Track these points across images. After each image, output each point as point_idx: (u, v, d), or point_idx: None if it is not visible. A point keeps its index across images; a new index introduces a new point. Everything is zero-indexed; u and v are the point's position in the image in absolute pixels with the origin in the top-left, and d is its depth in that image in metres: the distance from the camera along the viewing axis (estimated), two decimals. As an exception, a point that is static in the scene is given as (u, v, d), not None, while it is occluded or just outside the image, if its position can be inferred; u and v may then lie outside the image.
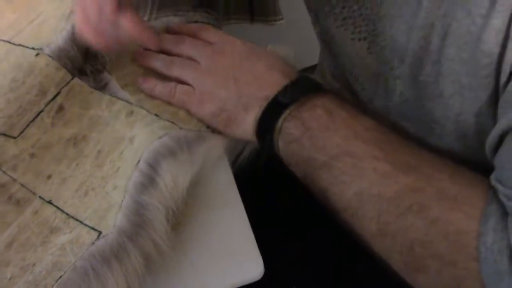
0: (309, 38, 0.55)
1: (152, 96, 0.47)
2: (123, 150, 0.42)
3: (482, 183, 0.36)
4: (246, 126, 0.44)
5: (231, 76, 0.44)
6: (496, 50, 0.32)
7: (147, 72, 0.48)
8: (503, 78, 0.33)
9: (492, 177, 0.35)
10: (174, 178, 0.40)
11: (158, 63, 0.47)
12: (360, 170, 0.39)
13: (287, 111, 0.42)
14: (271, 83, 0.43)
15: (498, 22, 0.31)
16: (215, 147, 0.44)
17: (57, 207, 0.40)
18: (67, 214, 0.39)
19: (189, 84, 0.46)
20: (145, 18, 0.53)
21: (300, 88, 0.43)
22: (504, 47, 0.32)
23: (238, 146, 0.47)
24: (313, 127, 0.41)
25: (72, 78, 0.46)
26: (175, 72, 0.47)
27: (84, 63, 0.48)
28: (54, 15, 0.50)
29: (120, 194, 0.39)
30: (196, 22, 0.52)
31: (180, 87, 0.46)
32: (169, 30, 0.50)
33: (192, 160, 0.41)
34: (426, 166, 0.38)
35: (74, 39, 0.46)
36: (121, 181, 0.40)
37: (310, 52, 0.58)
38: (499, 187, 0.34)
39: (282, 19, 0.71)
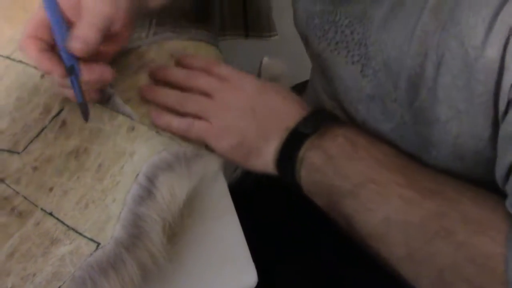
0: (301, 53, 0.55)
1: None
2: (124, 164, 0.43)
3: (502, 206, 0.36)
4: (266, 158, 0.45)
5: (249, 110, 0.45)
6: (491, 79, 0.32)
7: (150, 84, 0.49)
8: (502, 106, 0.33)
9: (508, 204, 0.35)
10: (171, 190, 0.41)
11: (171, 99, 0.47)
12: (385, 197, 0.39)
13: (309, 141, 0.43)
14: (290, 115, 0.45)
15: (492, 53, 0.32)
16: (211, 163, 0.45)
17: (58, 219, 0.41)
18: (68, 226, 0.41)
19: (205, 119, 0.46)
20: (143, 34, 0.55)
21: (320, 119, 0.44)
22: (500, 75, 0.32)
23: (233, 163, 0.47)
24: (335, 156, 0.42)
25: (75, 95, 0.48)
26: (190, 108, 0.47)
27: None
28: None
29: (119, 206, 0.40)
30: (194, 39, 0.54)
31: (198, 122, 0.46)
32: (178, 63, 0.51)
33: (189, 175, 0.42)
34: (448, 191, 0.39)
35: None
36: (120, 194, 0.41)
37: (303, 67, 0.60)
38: None
39: (276, 34, 0.72)
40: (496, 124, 0.34)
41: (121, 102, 0.48)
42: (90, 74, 0.43)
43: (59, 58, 0.42)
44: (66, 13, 0.43)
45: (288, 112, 0.45)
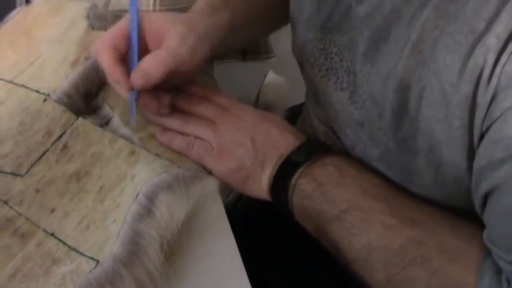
0: (299, 77, 0.57)
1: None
2: (125, 187, 0.44)
3: (479, 237, 0.37)
4: (262, 184, 0.47)
5: (248, 137, 0.47)
6: (466, 114, 0.34)
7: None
8: (476, 140, 0.35)
9: (484, 236, 0.37)
10: (170, 209, 0.42)
11: (174, 121, 0.49)
12: (368, 223, 0.41)
13: (301, 169, 0.44)
14: (285, 143, 0.47)
15: (466, 90, 0.33)
16: (209, 185, 0.46)
17: (59, 239, 0.42)
18: (69, 246, 0.41)
19: (206, 140, 0.48)
20: (150, 9, 0.57)
21: (312, 148, 0.46)
22: (473, 111, 0.34)
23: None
24: (324, 183, 0.44)
25: (77, 118, 0.49)
26: (192, 129, 0.49)
27: (87, 102, 0.51)
28: (55, 58, 0.54)
29: (119, 225, 0.41)
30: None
31: (199, 141, 0.48)
32: (180, 90, 0.52)
33: (188, 196, 0.43)
34: (428, 220, 0.40)
35: (78, 84, 0.50)
36: (121, 214, 0.42)
37: (301, 90, 0.61)
38: (491, 247, 0.36)
39: (274, 57, 0.74)
40: (472, 156, 0.36)
41: (121, 125, 0.49)
42: (146, 100, 0.46)
43: (128, 72, 0.45)
44: (147, 38, 0.46)
45: (283, 141, 0.47)
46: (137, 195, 0.43)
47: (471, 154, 0.36)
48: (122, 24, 0.46)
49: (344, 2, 0.45)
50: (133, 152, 0.47)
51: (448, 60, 0.34)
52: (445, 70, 0.34)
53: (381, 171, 0.45)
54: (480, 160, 0.35)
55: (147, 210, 0.41)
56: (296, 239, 0.49)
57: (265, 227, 0.57)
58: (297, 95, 0.62)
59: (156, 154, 0.47)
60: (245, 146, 0.47)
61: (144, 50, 0.46)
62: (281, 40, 0.59)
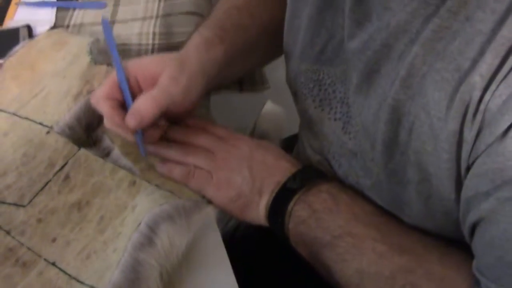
0: (293, 107, 0.58)
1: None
2: (125, 217, 0.45)
3: (468, 266, 0.38)
4: (259, 211, 0.48)
5: (245, 165, 0.48)
6: (453, 148, 0.35)
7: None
8: (463, 173, 0.36)
9: (473, 265, 0.38)
10: (171, 239, 0.42)
11: (174, 152, 0.50)
12: (360, 249, 0.42)
13: (297, 196, 0.46)
14: (281, 171, 0.48)
15: (453, 125, 0.34)
16: (208, 215, 0.47)
17: (60, 268, 0.43)
18: (70, 275, 0.42)
19: (205, 170, 0.49)
20: (149, 42, 0.59)
21: (307, 175, 0.47)
22: (460, 146, 0.35)
23: (227, 215, 0.50)
24: (319, 210, 0.45)
25: (79, 149, 0.50)
26: (192, 159, 0.50)
27: (88, 134, 0.53)
28: (58, 91, 0.55)
29: (119, 254, 0.42)
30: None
31: (198, 171, 0.49)
32: (177, 123, 0.53)
33: (188, 226, 0.44)
34: (418, 248, 0.42)
35: (80, 117, 0.51)
36: (121, 244, 0.43)
37: (296, 121, 0.62)
38: (479, 277, 0.36)
39: (269, 87, 0.75)
40: (460, 188, 0.37)
41: (121, 156, 0.50)
42: (149, 136, 0.48)
43: None
44: (141, 84, 0.48)
45: (279, 168, 0.48)
46: (139, 224, 0.43)
47: (459, 186, 0.37)
48: (112, 76, 0.47)
49: (337, 36, 0.46)
50: (133, 183, 0.48)
51: (436, 96, 0.35)
52: (433, 105, 0.35)
53: (373, 200, 0.46)
54: (467, 191, 0.35)
55: (148, 239, 0.42)
56: (293, 266, 0.49)
57: (263, 255, 0.57)
58: (296, 125, 0.64)
59: (156, 185, 0.48)
60: (243, 174, 0.48)
61: (140, 95, 0.47)
62: (280, 70, 0.60)
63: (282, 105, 0.62)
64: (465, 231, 0.38)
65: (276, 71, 0.76)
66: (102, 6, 0.75)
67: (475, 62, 0.33)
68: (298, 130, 0.64)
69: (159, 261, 0.41)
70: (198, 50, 0.50)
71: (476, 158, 0.34)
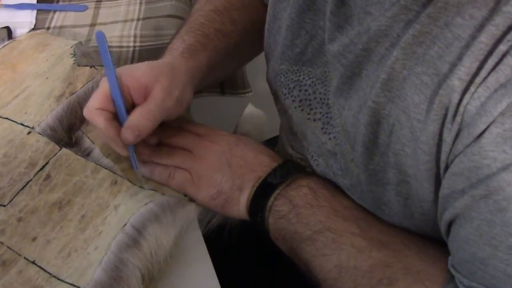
0: (274, 110, 0.59)
1: None
2: (107, 216, 0.45)
3: (444, 261, 0.39)
4: (240, 206, 0.48)
5: (224, 162, 0.49)
6: (433, 150, 0.36)
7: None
8: (442, 173, 0.36)
9: (449, 262, 0.39)
10: (158, 241, 0.43)
11: (153, 153, 0.50)
12: (339, 244, 0.43)
13: (277, 191, 0.46)
14: (261, 166, 0.48)
15: (433, 128, 0.35)
16: (191, 211, 0.48)
17: (40, 267, 0.43)
18: (50, 274, 0.42)
19: (185, 170, 0.49)
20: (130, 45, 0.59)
21: (287, 170, 0.48)
22: (439, 148, 0.36)
23: (210, 212, 0.50)
24: (299, 205, 0.45)
25: (60, 149, 0.50)
26: (171, 161, 0.50)
27: (70, 134, 0.53)
28: (40, 92, 0.55)
29: (101, 253, 0.42)
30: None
31: (179, 171, 0.49)
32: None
33: (174, 224, 0.45)
34: (396, 242, 0.42)
35: (62, 117, 0.51)
36: (103, 242, 0.43)
37: (277, 123, 0.63)
38: (455, 273, 0.37)
39: (250, 92, 0.76)
40: (438, 190, 0.38)
41: (102, 156, 0.50)
42: (143, 149, 0.49)
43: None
44: (133, 95, 0.47)
45: (259, 163, 0.49)
46: (124, 225, 0.43)
47: (438, 187, 0.37)
48: (104, 88, 0.47)
49: (318, 38, 0.47)
50: (115, 182, 0.48)
51: (416, 99, 0.36)
52: (413, 108, 0.36)
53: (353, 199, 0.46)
54: (444, 189, 0.36)
55: (133, 241, 0.42)
56: (275, 261, 0.50)
57: (245, 251, 0.58)
58: (276, 128, 0.64)
59: (140, 186, 0.48)
60: (222, 171, 0.48)
61: (131, 105, 0.48)
62: (262, 75, 0.61)
63: (263, 109, 0.63)
64: (442, 229, 0.39)
65: (257, 75, 0.77)
66: (83, 9, 0.76)
67: (453, 66, 0.33)
68: (278, 132, 0.65)
69: (144, 262, 0.42)
70: (185, 59, 0.51)
71: (454, 159, 0.34)
